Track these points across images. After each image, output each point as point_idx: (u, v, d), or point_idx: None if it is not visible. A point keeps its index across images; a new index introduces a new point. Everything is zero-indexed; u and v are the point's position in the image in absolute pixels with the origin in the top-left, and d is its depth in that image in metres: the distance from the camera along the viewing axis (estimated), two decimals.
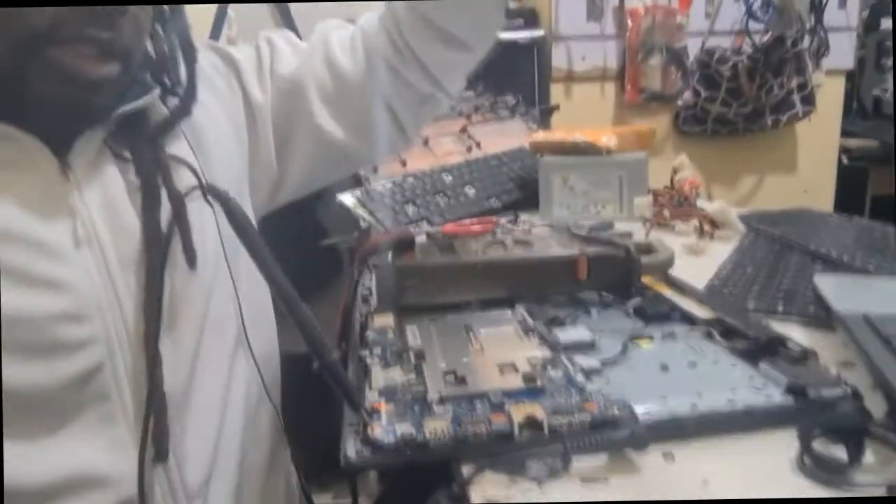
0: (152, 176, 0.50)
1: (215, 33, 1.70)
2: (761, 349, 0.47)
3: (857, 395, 0.40)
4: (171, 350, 0.49)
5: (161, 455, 0.47)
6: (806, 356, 0.45)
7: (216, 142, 0.59)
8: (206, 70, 0.61)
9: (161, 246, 0.48)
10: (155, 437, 0.46)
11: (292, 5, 1.68)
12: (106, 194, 0.48)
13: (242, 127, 0.64)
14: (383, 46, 0.65)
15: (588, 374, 0.45)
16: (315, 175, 0.71)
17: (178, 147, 0.54)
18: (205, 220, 0.54)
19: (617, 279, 0.59)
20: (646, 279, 0.63)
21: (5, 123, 0.44)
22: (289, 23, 1.76)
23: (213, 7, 1.53)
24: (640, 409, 0.40)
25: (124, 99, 0.50)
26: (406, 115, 0.69)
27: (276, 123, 0.66)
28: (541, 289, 0.59)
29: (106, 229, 0.47)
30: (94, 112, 0.48)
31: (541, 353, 0.48)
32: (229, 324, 0.56)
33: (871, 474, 0.34)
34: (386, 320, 0.56)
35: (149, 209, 0.49)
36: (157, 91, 0.53)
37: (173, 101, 0.54)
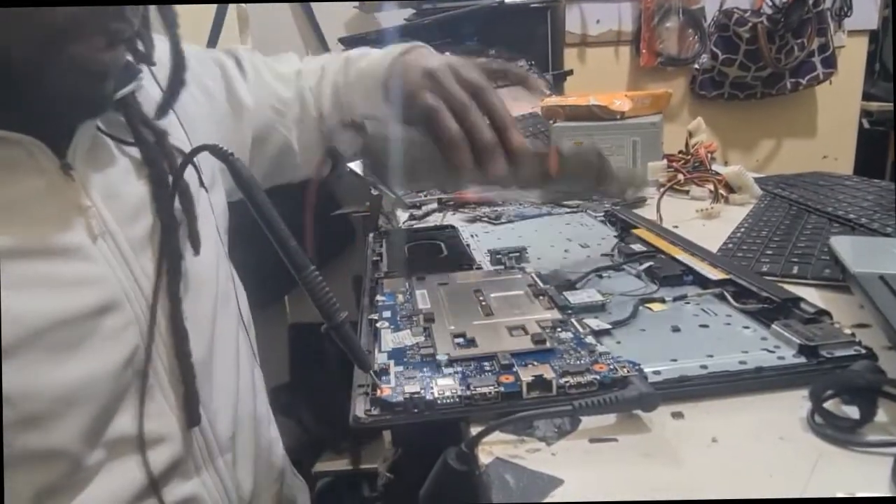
0: (159, 164, 0.52)
1: (215, 32, 1.69)
2: (774, 310, 0.47)
3: (871, 355, 0.40)
4: (194, 324, 0.51)
5: (193, 420, 0.50)
6: (820, 317, 0.45)
7: (202, 122, 0.62)
8: (188, 59, 0.63)
9: (176, 232, 0.51)
10: (186, 404, 0.50)
11: None
12: (107, 184, 0.49)
13: (224, 116, 0.69)
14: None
15: (598, 335, 0.45)
16: (272, 178, 0.78)
17: (171, 127, 0.56)
18: (202, 203, 0.57)
19: (587, 178, 0.61)
20: (658, 243, 0.63)
21: (4, 129, 0.44)
22: (308, 11, 1.75)
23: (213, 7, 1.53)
24: (650, 370, 0.40)
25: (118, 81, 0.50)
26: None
27: (257, 128, 0.72)
28: (520, 180, 0.60)
29: (113, 219, 0.48)
30: (99, 101, 0.48)
31: (551, 315, 0.48)
32: (231, 297, 0.61)
33: (883, 433, 0.34)
34: (396, 284, 0.57)
35: (161, 199, 0.51)
36: (142, 72, 0.53)
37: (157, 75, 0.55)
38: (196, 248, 0.53)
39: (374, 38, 1.43)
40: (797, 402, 0.38)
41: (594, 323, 0.46)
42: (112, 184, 0.49)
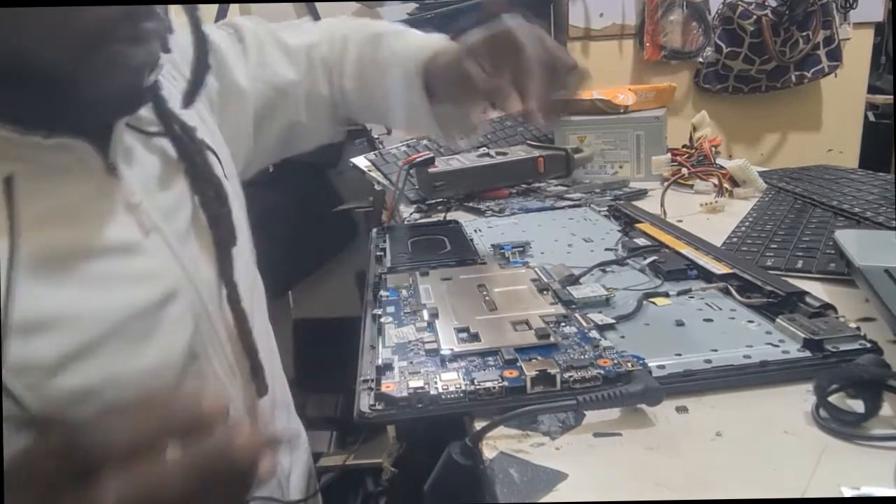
0: (195, 158, 0.53)
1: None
2: (779, 304, 0.47)
3: (876, 349, 0.39)
4: None
5: (262, 390, 0.54)
6: (825, 310, 0.45)
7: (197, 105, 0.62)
8: (187, 48, 0.62)
9: (222, 223, 0.53)
10: (254, 376, 0.53)
11: None
12: (146, 180, 0.50)
13: (213, 103, 0.67)
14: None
15: (602, 330, 0.45)
16: (282, 152, 0.78)
17: (188, 116, 0.56)
18: (228, 191, 0.57)
19: (560, 169, 0.95)
20: (662, 238, 0.63)
21: (57, 134, 0.44)
22: (310, 5, 1.74)
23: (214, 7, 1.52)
24: (654, 365, 0.40)
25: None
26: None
27: (258, 110, 0.70)
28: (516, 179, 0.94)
29: (157, 212, 0.49)
30: (137, 97, 0.49)
31: (555, 310, 0.48)
32: (262, 290, 0.62)
33: (887, 427, 0.34)
34: (399, 279, 0.57)
35: (203, 192, 0.53)
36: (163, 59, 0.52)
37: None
38: (234, 240, 0.54)
39: None
40: (802, 395, 0.37)
41: (598, 317, 0.46)
42: (150, 180, 0.51)
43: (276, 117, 0.72)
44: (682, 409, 0.37)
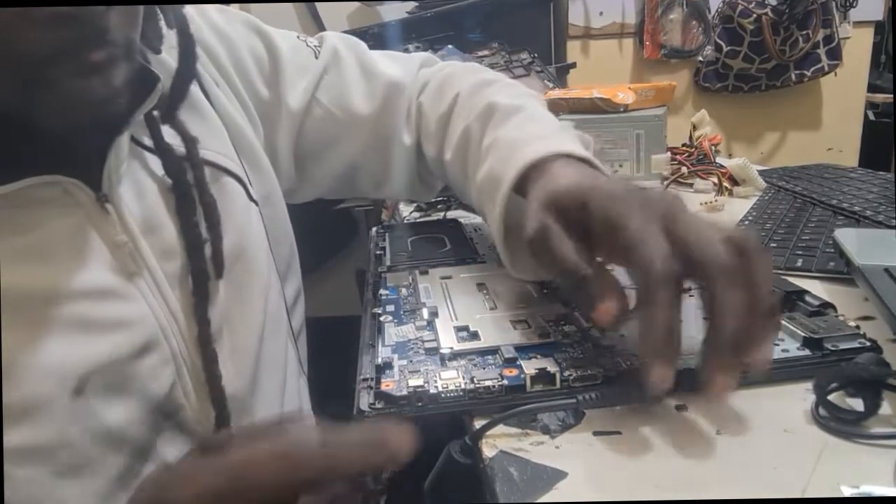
0: (183, 177, 0.48)
1: None
2: (779, 303, 0.47)
3: (875, 347, 0.39)
4: (231, 355, 0.49)
5: None
6: (824, 309, 0.45)
7: (234, 115, 0.57)
8: (241, 50, 0.59)
9: (202, 251, 0.48)
10: (217, 429, 0.47)
11: None
12: (146, 214, 0.46)
13: (259, 117, 0.62)
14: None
15: (602, 329, 0.45)
16: (343, 191, 0.71)
17: (205, 120, 0.53)
18: (252, 219, 0.54)
19: None
20: None
21: (40, 173, 0.41)
22: (313, 11, 1.74)
23: None
24: None
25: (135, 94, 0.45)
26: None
27: (309, 137, 0.64)
28: None
29: (151, 253, 0.46)
30: (112, 122, 0.45)
31: (555, 309, 0.48)
32: (282, 319, 0.58)
33: (887, 425, 0.34)
34: (399, 278, 0.57)
35: (185, 215, 0.48)
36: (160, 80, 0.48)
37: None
38: (219, 271, 0.49)
39: (377, 32, 1.42)
40: (801, 394, 0.37)
41: None
42: (151, 214, 0.47)
43: (335, 149, 0.65)
44: (681, 408, 0.37)
